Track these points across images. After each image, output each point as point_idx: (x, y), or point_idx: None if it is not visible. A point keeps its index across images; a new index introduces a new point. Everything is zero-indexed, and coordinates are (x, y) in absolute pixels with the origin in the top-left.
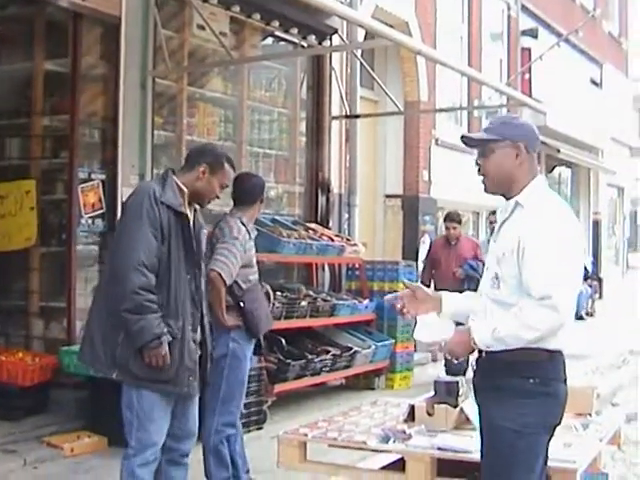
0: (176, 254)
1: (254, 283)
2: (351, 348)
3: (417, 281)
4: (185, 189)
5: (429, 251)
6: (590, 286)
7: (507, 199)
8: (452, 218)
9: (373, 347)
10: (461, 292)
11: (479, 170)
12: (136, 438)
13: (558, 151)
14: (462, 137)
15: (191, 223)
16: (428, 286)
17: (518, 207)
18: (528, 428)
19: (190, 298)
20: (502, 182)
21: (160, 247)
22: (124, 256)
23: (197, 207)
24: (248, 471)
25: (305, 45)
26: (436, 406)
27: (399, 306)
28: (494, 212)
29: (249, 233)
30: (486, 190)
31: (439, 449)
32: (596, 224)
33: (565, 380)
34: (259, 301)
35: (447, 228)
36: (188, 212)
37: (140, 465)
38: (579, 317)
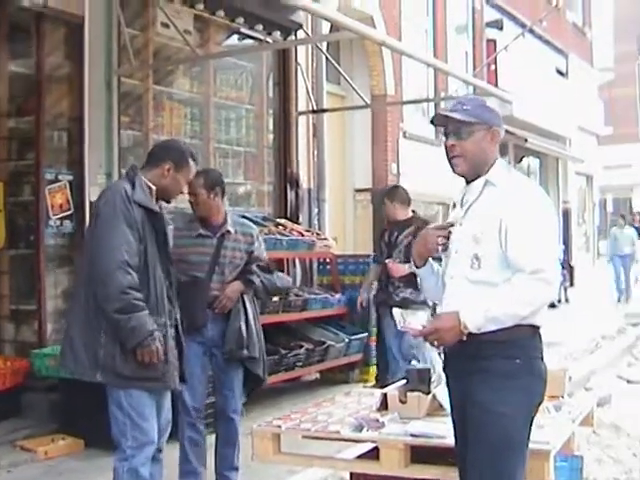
0: (152, 252)
1: (192, 279)
2: (324, 342)
3: None
4: (153, 186)
5: None
6: (562, 274)
7: (468, 182)
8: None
9: (346, 341)
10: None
11: (450, 150)
12: (132, 438)
13: (525, 141)
14: (439, 115)
15: (163, 220)
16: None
17: (488, 186)
18: (519, 410)
19: (166, 295)
20: (478, 164)
21: (138, 246)
22: (106, 257)
23: (163, 204)
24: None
25: (270, 41)
26: (409, 394)
27: None
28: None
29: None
30: (456, 171)
31: (412, 436)
32: (566, 213)
33: (543, 358)
34: (188, 297)
35: None
36: (158, 209)
37: (142, 464)
38: (551, 304)
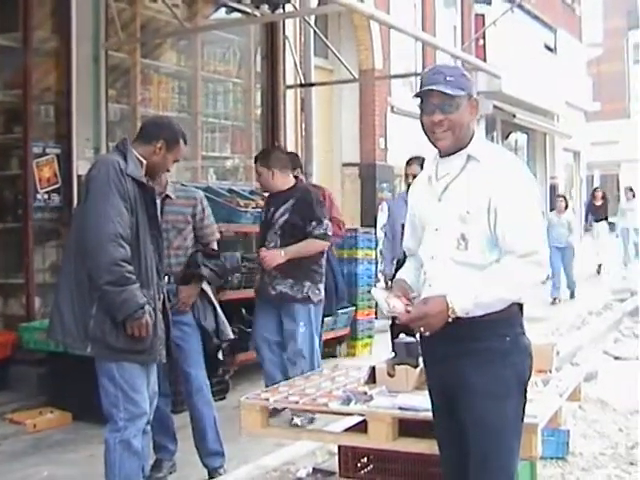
0: (142, 225)
1: None
2: None
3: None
4: (143, 160)
5: None
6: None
7: (442, 156)
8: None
9: (334, 315)
10: None
11: (439, 125)
12: (125, 410)
13: (514, 116)
14: (424, 91)
15: (154, 194)
16: None
17: (471, 161)
18: (513, 388)
19: (155, 268)
20: (461, 137)
21: (130, 218)
22: (98, 229)
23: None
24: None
25: (258, 14)
26: (397, 367)
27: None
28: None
29: None
30: (439, 145)
31: (400, 409)
32: (553, 188)
33: (525, 332)
34: None
35: None
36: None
37: (134, 436)
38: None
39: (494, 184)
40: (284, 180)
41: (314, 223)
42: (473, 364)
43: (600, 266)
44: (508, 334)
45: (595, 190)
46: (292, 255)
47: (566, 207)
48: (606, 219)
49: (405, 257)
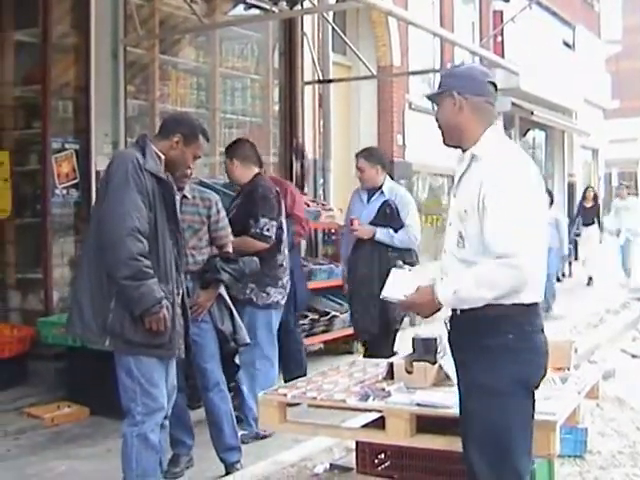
0: (161, 220)
1: None
2: (329, 313)
3: None
4: (162, 155)
5: None
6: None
7: (463, 151)
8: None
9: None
10: None
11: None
12: (143, 404)
13: (532, 113)
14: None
15: (173, 189)
16: None
17: (475, 160)
18: (516, 386)
19: (174, 263)
20: (450, 133)
21: (148, 213)
22: (117, 223)
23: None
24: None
25: (276, 10)
26: (415, 363)
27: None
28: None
29: None
30: (444, 143)
31: (418, 405)
32: (571, 186)
33: (543, 329)
34: None
35: None
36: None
37: (152, 430)
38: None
39: (485, 184)
40: (244, 173)
41: (251, 221)
42: (476, 359)
43: (591, 278)
44: (511, 331)
45: (586, 190)
46: None
47: (551, 203)
48: (598, 222)
49: None
